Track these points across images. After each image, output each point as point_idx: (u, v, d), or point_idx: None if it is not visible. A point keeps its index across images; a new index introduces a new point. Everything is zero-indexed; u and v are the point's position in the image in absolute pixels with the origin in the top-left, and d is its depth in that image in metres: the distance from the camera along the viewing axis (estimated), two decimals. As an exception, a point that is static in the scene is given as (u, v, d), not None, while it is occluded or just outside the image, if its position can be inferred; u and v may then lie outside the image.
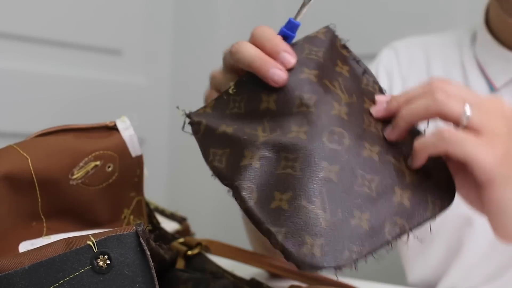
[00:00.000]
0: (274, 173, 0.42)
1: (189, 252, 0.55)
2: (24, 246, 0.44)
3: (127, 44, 1.54)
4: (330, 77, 0.47)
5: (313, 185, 0.41)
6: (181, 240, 0.57)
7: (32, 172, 0.44)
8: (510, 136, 0.43)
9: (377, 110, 0.47)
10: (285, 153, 0.42)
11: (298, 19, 0.48)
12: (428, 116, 0.44)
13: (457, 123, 0.43)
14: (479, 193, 0.44)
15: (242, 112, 0.46)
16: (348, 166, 0.43)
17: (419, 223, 0.44)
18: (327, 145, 0.43)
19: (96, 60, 1.47)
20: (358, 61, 0.50)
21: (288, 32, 0.48)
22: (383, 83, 0.87)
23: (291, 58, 0.45)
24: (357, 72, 0.49)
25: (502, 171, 0.42)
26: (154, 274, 0.36)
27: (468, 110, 0.43)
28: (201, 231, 0.80)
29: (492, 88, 0.80)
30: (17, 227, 0.44)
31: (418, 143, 0.44)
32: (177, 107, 0.47)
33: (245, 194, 0.41)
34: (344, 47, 0.50)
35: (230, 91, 0.47)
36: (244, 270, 0.57)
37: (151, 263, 0.36)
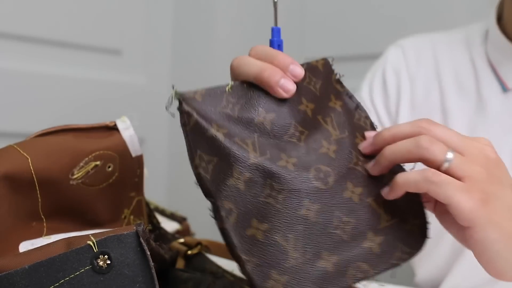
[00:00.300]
0: (257, 199, 0.43)
1: (189, 252, 0.55)
2: (24, 246, 0.44)
3: (127, 44, 1.54)
4: (323, 113, 0.48)
5: (291, 222, 0.42)
6: (181, 240, 0.57)
7: (33, 172, 0.44)
8: (491, 179, 0.44)
9: (364, 146, 0.48)
10: (272, 181, 0.43)
11: (278, 24, 0.50)
12: (410, 159, 0.45)
13: (438, 168, 0.44)
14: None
15: (234, 116, 0.45)
16: (327, 206, 0.44)
17: (384, 270, 0.45)
18: (312, 182, 0.44)
19: (96, 60, 1.47)
20: (351, 97, 0.50)
21: (278, 40, 0.49)
22: (391, 82, 0.86)
23: (300, 70, 0.46)
24: (350, 107, 0.50)
25: (482, 214, 0.43)
26: (154, 274, 0.36)
27: (449, 157, 0.44)
28: (201, 231, 0.80)
29: (504, 88, 0.78)
30: (18, 227, 0.44)
31: (400, 178, 0.45)
32: (172, 87, 0.44)
33: (223, 214, 0.42)
34: (339, 82, 0.51)
35: (227, 89, 0.46)
36: (244, 270, 0.57)
37: (151, 263, 0.36)
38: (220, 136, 0.44)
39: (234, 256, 0.42)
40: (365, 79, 0.91)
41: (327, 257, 0.43)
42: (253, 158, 0.43)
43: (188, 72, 1.63)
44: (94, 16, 1.45)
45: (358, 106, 0.50)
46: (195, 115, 0.44)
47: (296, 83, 0.46)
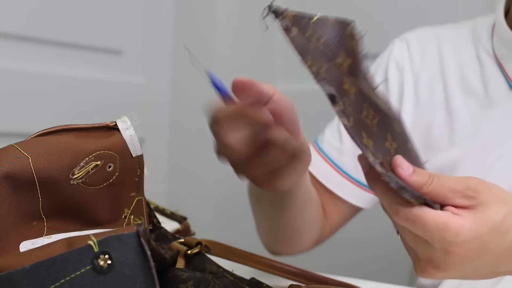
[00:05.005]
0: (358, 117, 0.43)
1: (189, 252, 0.55)
2: (25, 246, 0.44)
3: (127, 44, 1.54)
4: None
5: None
6: (181, 239, 0.57)
7: (33, 171, 0.44)
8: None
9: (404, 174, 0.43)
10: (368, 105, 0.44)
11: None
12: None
13: None
14: None
15: (320, 51, 0.44)
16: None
17: None
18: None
19: (96, 60, 1.47)
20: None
21: (221, 90, 0.49)
22: (393, 79, 0.84)
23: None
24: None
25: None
26: (155, 274, 0.36)
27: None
28: (201, 231, 0.80)
29: (511, 85, 0.76)
30: (18, 226, 0.44)
31: (395, 209, 0.43)
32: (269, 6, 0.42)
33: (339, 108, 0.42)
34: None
35: (313, 20, 0.45)
36: (244, 270, 0.58)
37: (152, 263, 0.36)
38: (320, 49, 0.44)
39: None
40: None
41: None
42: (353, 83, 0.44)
43: (188, 72, 1.63)
44: (94, 16, 1.45)
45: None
46: (295, 29, 0.43)
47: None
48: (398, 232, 0.46)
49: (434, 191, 0.42)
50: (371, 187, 0.44)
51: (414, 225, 0.41)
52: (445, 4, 1.29)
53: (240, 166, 0.52)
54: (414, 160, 0.46)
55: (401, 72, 0.85)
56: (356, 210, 0.84)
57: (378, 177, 0.42)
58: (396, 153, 0.44)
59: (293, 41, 0.43)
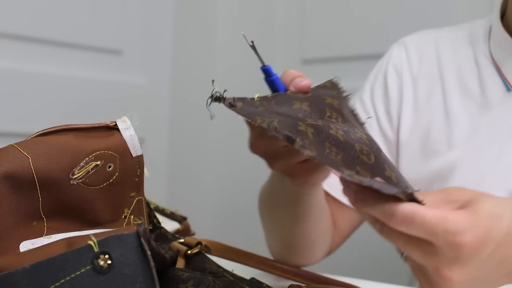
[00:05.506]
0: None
1: (189, 252, 0.55)
2: (25, 246, 0.44)
3: (127, 44, 1.54)
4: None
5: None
6: (181, 239, 0.57)
7: (33, 171, 0.44)
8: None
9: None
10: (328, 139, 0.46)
11: (265, 63, 0.53)
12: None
13: None
14: None
15: (273, 110, 0.48)
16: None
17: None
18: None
19: (96, 60, 1.47)
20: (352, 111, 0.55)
21: (273, 78, 0.53)
22: (393, 84, 0.84)
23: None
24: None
25: None
26: (155, 274, 0.36)
27: None
28: (201, 231, 0.80)
29: (508, 87, 0.76)
30: (18, 226, 0.44)
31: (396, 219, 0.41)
32: (212, 81, 0.48)
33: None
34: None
35: (255, 98, 0.49)
36: (244, 270, 0.58)
37: (152, 263, 0.36)
38: (271, 109, 0.48)
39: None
40: (367, 79, 0.90)
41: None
42: (309, 121, 0.47)
43: (188, 72, 1.63)
44: (94, 16, 1.45)
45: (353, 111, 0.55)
46: (240, 103, 0.48)
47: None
48: (402, 255, 0.46)
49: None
50: (361, 209, 0.43)
51: (413, 223, 0.41)
52: (445, 5, 1.29)
53: (274, 157, 0.55)
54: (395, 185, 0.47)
55: (400, 76, 0.85)
56: (363, 217, 0.84)
57: (366, 197, 0.42)
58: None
59: (240, 111, 0.47)
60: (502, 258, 0.43)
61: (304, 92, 0.53)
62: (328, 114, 0.50)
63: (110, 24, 1.49)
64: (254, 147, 0.54)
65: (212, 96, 0.48)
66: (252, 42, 0.52)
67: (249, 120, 0.46)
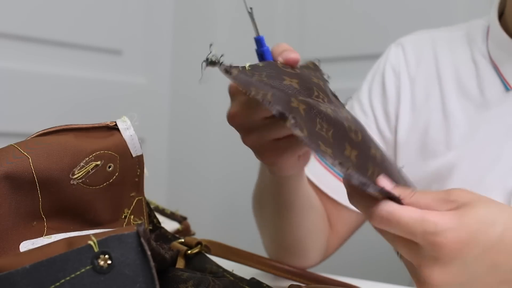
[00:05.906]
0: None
1: (189, 252, 0.55)
2: (25, 246, 0.44)
3: (127, 44, 1.54)
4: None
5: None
6: (181, 239, 0.57)
7: (33, 171, 0.44)
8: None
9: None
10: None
11: (259, 33, 0.53)
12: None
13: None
14: None
15: (263, 82, 0.47)
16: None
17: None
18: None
19: (96, 60, 1.47)
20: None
21: (263, 49, 0.53)
22: (390, 84, 0.84)
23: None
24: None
25: None
26: (155, 274, 0.36)
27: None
28: (201, 231, 0.80)
29: (507, 87, 0.76)
30: (18, 226, 0.44)
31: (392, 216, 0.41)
32: (210, 45, 0.47)
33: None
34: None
35: (246, 66, 0.49)
36: (244, 270, 0.58)
37: (152, 263, 0.36)
38: (265, 79, 0.48)
39: None
40: (365, 80, 0.89)
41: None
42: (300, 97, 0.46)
43: (188, 72, 1.63)
44: (94, 16, 1.45)
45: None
46: (235, 71, 0.47)
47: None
48: (398, 252, 0.46)
49: (417, 201, 0.42)
50: (352, 203, 0.44)
51: (390, 223, 0.41)
52: (445, 5, 1.29)
53: (250, 130, 0.53)
54: (388, 167, 0.47)
55: (398, 76, 0.85)
56: (361, 218, 0.84)
57: (352, 192, 0.42)
58: (357, 160, 0.45)
59: (235, 78, 0.46)
60: (493, 264, 0.43)
61: (292, 67, 0.52)
62: (315, 93, 0.50)
63: (110, 24, 1.49)
64: (233, 118, 0.53)
65: (207, 59, 0.46)
66: (250, 9, 0.52)
67: (242, 89, 0.46)
